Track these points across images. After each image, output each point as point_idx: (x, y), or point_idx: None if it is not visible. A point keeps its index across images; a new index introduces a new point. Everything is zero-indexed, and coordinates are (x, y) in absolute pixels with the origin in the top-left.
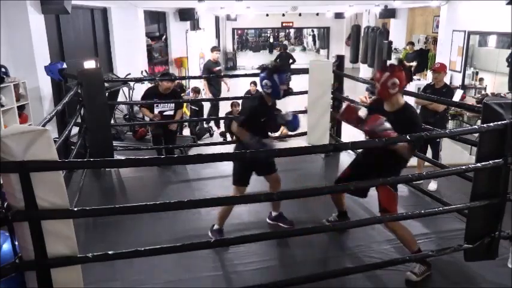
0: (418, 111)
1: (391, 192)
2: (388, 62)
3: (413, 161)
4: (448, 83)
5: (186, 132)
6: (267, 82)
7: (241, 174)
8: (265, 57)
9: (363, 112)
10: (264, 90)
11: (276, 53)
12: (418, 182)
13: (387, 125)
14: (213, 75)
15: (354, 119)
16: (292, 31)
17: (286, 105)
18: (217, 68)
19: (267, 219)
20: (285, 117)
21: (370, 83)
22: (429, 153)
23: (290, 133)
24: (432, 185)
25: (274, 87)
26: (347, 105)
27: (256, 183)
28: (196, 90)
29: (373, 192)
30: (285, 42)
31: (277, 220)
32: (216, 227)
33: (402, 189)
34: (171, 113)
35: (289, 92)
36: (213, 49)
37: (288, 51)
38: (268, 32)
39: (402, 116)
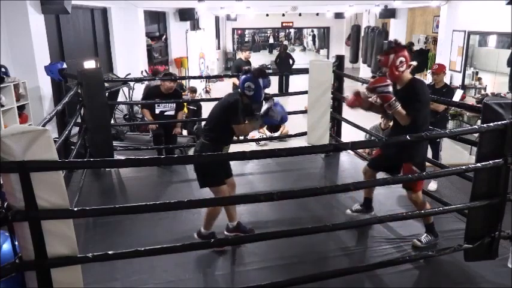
0: None
1: (411, 168)
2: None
3: None
4: (448, 82)
5: (185, 132)
6: (250, 85)
7: (218, 174)
8: (266, 58)
9: (370, 95)
10: (246, 92)
11: (276, 53)
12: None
13: (389, 88)
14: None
15: (365, 103)
16: (292, 31)
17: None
18: (248, 67)
19: (225, 232)
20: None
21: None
22: (429, 153)
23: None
24: (432, 185)
25: (257, 90)
26: (355, 92)
27: (257, 183)
28: (193, 90)
29: (374, 191)
30: (285, 42)
31: (236, 231)
32: (204, 231)
33: (402, 189)
34: (172, 113)
35: (265, 98)
36: (245, 48)
37: (287, 51)
38: (268, 32)
39: (409, 91)
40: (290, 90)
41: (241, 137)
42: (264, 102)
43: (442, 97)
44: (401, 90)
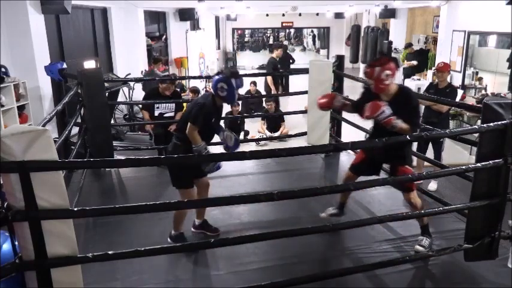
0: (422, 111)
1: (408, 170)
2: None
3: (414, 161)
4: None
5: None
6: (223, 85)
7: (186, 177)
8: (265, 58)
9: (339, 102)
10: (218, 92)
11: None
12: (418, 182)
13: (388, 111)
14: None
15: (337, 104)
16: (292, 31)
17: (286, 105)
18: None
19: (192, 229)
20: (227, 139)
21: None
22: (430, 153)
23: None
24: (432, 185)
25: (230, 91)
26: (332, 95)
27: (257, 183)
28: (194, 91)
29: (374, 191)
30: (285, 42)
31: (202, 228)
32: (173, 232)
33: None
34: (172, 114)
35: (239, 98)
36: (279, 47)
37: (287, 51)
38: (269, 32)
39: (400, 102)
40: (290, 90)
41: (241, 137)
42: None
43: (445, 97)
44: (391, 103)
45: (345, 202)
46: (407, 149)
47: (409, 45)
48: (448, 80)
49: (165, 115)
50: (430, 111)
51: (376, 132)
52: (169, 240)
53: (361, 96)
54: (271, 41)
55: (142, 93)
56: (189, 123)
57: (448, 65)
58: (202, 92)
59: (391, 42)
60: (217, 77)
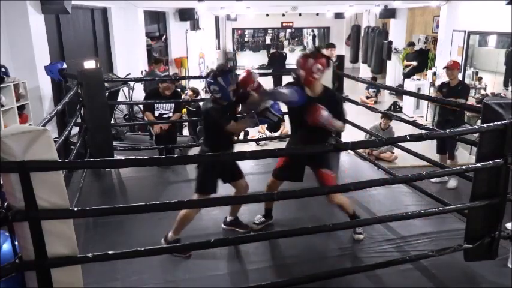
0: (438, 110)
1: (327, 174)
2: (307, 50)
3: (413, 161)
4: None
5: (186, 132)
6: (215, 87)
7: (208, 181)
8: (265, 58)
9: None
10: (214, 95)
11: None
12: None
13: (326, 112)
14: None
15: (253, 84)
16: (292, 31)
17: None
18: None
19: (222, 225)
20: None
21: (370, 83)
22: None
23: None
24: (452, 183)
25: (223, 90)
26: (247, 70)
27: (257, 183)
28: (194, 91)
29: (374, 191)
30: (285, 42)
31: (232, 225)
32: (171, 235)
33: (402, 189)
34: (171, 115)
35: (239, 91)
36: (329, 46)
37: (280, 51)
38: (269, 31)
39: (327, 98)
40: None
41: (242, 137)
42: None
43: (458, 94)
44: (316, 99)
45: (270, 207)
46: (331, 154)
47: (411, 44)
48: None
49: (164, 115)
50: (447, 110)
51: (301, 132)
52: (163, 241)
53: (286, 85)
54: (268, 41)
55: (143, 94)
56: (224, 128)
57: (457, 63)
58: (202, 92)
59: (391, 42)
60: (208, 80)
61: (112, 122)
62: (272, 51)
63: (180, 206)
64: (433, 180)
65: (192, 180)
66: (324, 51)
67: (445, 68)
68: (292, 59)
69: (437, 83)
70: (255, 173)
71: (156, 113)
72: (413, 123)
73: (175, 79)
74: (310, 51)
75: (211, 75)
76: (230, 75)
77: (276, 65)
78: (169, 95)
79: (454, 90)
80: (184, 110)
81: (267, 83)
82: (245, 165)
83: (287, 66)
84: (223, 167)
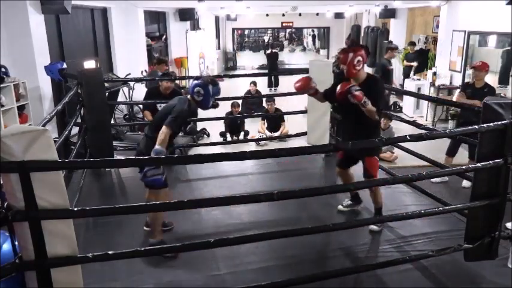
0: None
1: (376, 160)
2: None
3: (413, 161)
4: (448, 82)
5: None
6: (200, 90)
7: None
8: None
9: (314, 83)
10: (194, 96)
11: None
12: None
13: (358, 88)
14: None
15: (312, 89)
16: (292, 31)
17: (287, 105)
18: (391, 67)
19: (144, 227)
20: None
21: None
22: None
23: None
24: (466, 182)
25: (206, 97)
26: (305, 77)
27: (257, 183)
28: None
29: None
30: (285, 42)
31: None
32: (152, 241)
33: (402, 189)
34: None
35: (213, 105)
36: (392, 47)
37: (273, 50)
38: (269, 32)
39: (368, 87)
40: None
41: (242, 137)
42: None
43: (483, 97)
44: (360, 87)
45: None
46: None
47: (412, 43)
48: (448, 80)
49: None
50: (469, 111)
51: (345, 121)
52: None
53: (332, 85)
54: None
55: (143, 94)
56: (164, 126)
57: (486, 64)
58: None
59: (391, 42)
60: (196, 82)
61: (112, 122)
62: (268, 51)
63: (180, 206)
64: (433, 180)
65: (191, 180)
66: (386, 55)
67: (472, 67)
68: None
69: (438, 83)
70: (255, 173)
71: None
72: (413, 123)
73: (174, 79)
74: (349, 45)
75: (203, 79)
76: (218, 89)
77: (269, 64)
78: (168, 93)
79: (479, 92)
80: None
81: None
82: (245, 165)
83: (287, 66)
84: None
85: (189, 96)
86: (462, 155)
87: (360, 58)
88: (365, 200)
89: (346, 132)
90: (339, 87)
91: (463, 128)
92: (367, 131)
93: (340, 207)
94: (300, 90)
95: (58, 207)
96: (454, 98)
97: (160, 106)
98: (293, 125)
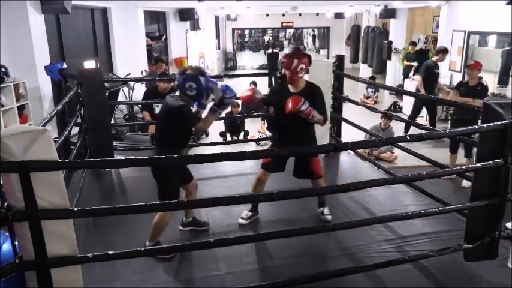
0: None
1: (319, 160)
2: (286, 50)
3: (413, 161)
4: (448, 82)
5: None
6: (192, 84)
7: (174, 189)
8: (265, 58)
9: (259, 95)
10: (187, 92)
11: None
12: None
13: (307, 103)
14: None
15: (256, 99)
16: (292, 31)
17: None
18: (438, 71)
19: (180, 227)
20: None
21: (370, 83)
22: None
23: None
24: (466, 182)
25: (199, 89)
26: (251, 88)
27: None
28: None
29: (374, 191)
30: (285, 42)
31: (191, 226)
32: (149, 244)
33: (402, 189)
34: None
35: (227, 103)
36: (444, 51)
37: (274, 50)
38: (269, 31)
39: (309, 94)
40: None
41: (242, 137)
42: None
43: (476, 94)
44: (298, 94)
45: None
46: (314, 142)
47: (413, 43)
48: (448, 80)
49: None
50: (464, 109)
51: (287, 126)
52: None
53: (271, 91)
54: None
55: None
56: (196, 125)
57: (478, 63)
58: None
59: (391, 42)
60: (183, 77)
61: (112, 122)
62: (268, 51)
63: (180, 206)
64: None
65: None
66: (435, 58)
67: (466, 67)
68: None
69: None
70: (254, 173)
71: (157, 111)
72: (413, 123)
73: (173, 79)
74: (292, 51)
75: (190, 71)
76: (207, 80)
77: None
78: (167, 93)
79: (472, 90)
80: None
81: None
82: (245, 165)
83: None
84: (184, 171)
85: (176, 94)
86: (460, 155)
87: (303, 66)
88: (365, 200)
89: (290, 136)
90: (289, 104)
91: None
92: (309, 134)
93: (241, 220)
94: (244, 102)
95: (58, 207)
96: (449, 97)
97: (157, 106)
98: None
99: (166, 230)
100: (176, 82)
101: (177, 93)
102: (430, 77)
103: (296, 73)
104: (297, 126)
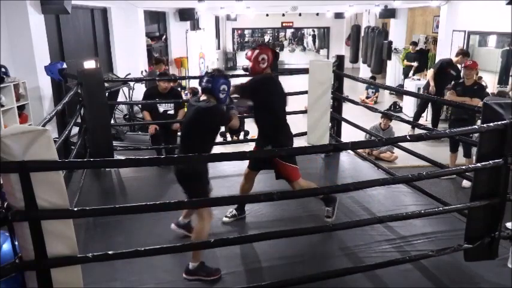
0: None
1: (293, 167)
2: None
3: (413, 161)
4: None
5: None
6: (225, 87)
7: (207, 190)
8: None
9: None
10: (220, 94)
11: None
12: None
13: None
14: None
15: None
16: (292, 31)
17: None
18: (453, 73)
19: (173, 225)
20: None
21: (370, 83)
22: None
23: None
24: (466, 182)
25: (228, 92)
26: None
27: (257, 183)
28: (194, 91)
29: (374, 191)
30: (285, 42)
31: (184, 228)
32: (192, 265)
33: (402, 189)
34: (172, 112)
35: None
36: (465, 54)
37: (276, 50)
38: (269, 32)
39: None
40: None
41: (241, 137)
42: None
43: (473, 94)
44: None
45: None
46: (279, 142)
47: (413, 43)
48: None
49: (169, 112)
50: (461, 109)
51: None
52: (184, 276)
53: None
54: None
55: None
56: (229, 125)
57: (475, 63)
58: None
59: (391, 42)
60: (222, 80)
61: (112, 122)
62: None
63: (179, 206)
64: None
65: None
66: (455, 59)
67: (463, 67)
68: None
69: None
70: None
71: (161, 109)
72: (413, 123)
73: (174, 79)
74: (258, 44)
75: (220, 73)
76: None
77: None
78: (167, 93)
79: (469, 89)
80: (185, 109)
81: None
82: (245, 165)
83: (287, 66)
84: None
85: (204, 97)
86: (460, 154)
87: (264, 56)
88: (365, 200)
89: (259, 134)
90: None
91: (458, 126)
92: (277, 134)
93: (225, 219)
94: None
95: (58, 207)
96: (446, 97)
97: (161, 105)
98: (293, 125)
99: (166, 230)
100: (204, 84)
101: (203, 97)
102: (442, 74)
103: (257, 63)
104: (264, 125)
